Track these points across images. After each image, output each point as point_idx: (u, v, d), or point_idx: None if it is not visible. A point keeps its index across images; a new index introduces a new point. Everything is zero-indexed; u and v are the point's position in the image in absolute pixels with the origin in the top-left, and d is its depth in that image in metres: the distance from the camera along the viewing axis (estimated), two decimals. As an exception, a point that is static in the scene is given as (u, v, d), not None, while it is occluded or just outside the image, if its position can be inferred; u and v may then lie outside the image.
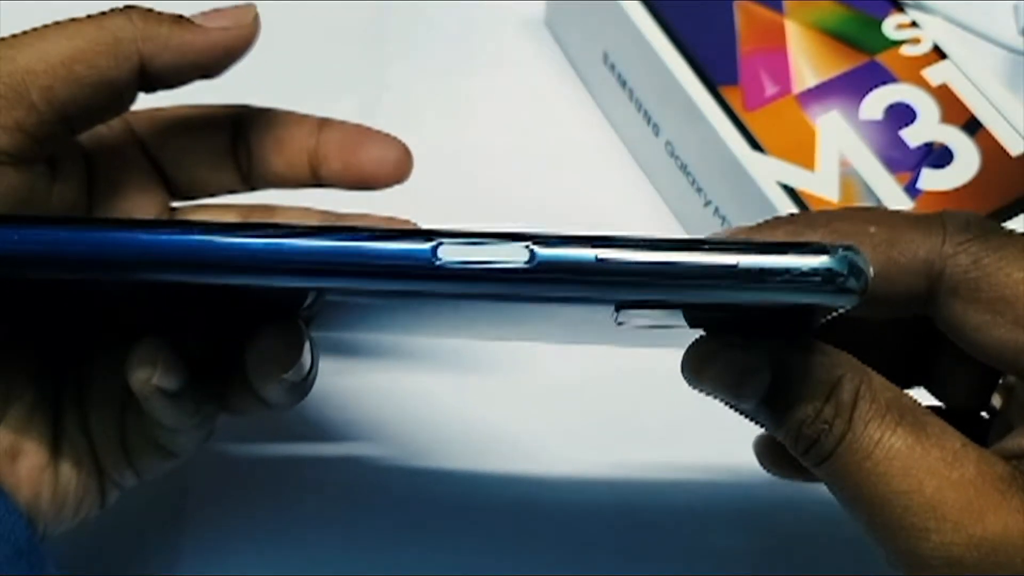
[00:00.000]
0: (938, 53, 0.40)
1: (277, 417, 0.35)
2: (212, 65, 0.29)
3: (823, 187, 0.37)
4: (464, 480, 0.38)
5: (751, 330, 0.24)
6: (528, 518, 0.37)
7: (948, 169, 0.38)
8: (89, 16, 0.27)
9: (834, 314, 0.23)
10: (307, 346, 0.28)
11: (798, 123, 0.39)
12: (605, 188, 0.44)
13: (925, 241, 0.24)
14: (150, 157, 0.32)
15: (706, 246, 0.21)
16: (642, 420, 0.38)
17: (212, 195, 0.33)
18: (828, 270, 0.20)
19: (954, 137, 0.38)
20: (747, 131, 0.38)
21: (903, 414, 0.23)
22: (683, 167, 0.42)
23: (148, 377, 0.27)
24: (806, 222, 0.25)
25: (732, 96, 0.39)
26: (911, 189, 0.37)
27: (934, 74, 0.40)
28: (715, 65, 0.40)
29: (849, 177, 0.38)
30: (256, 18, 0.29)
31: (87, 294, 0.27)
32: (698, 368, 0.24)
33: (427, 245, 0.21)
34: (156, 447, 0.30)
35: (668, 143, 0.42)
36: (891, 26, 0.41)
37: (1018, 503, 0.22)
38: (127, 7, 0.28)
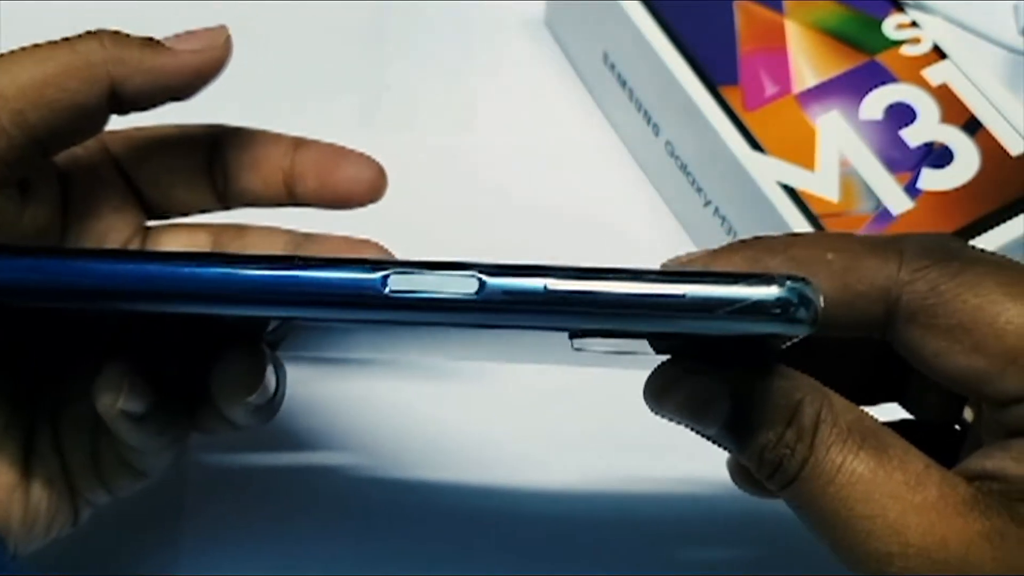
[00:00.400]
0: (938, 53, 0.40)
1: (275, 420, 0.36)
2: (183, 88, 0.29)
3: (823, 187, 0.37)
4: (450, 487, 0.38)
5: (714, 355, 0.24)
6: (513, 527, 0.37)
7: (948, 169, 0.38)
8: (61, 40, 0.27)
9: (789, 342, 0.23)
10: (271, 369, 0.29)
11: (798, 123, 0.39)
12: (605, 188, 0.44)
13: (882, 268, 0.24)
14: (126, 177, 0.32)
15: (656, 276, 0.21)
16: (626, 429, 0.38)
17: (187, 214, 0.33)
18: (777, 300, 0.20)
19: (954, 137, 0.38)
20: (747, 131, 0.38)
21: (865, 437, 0.23)
22: (683, 167, 0.42)
23: (113, 401, 0.27)
24: (764, 247, 0.25)
25: (732, 96, 0.39)
26: (911, 189, 0.37)
27: (934, 74, 0.40)
28: (715, 65, 0.40)
29: (849, 177, 0.38)
30: (228, 40, 0.29)
31: (53, 318, 0.27)
32: (660, 395, 0.25)
33: (376, 275, 0.21)
34: (127, 467, 0.31)
35: (668, 143, 0.42)
36: (891, 26, 0.41)
37: (980, 527, 0.22)
38: (99, 31, 0.28)
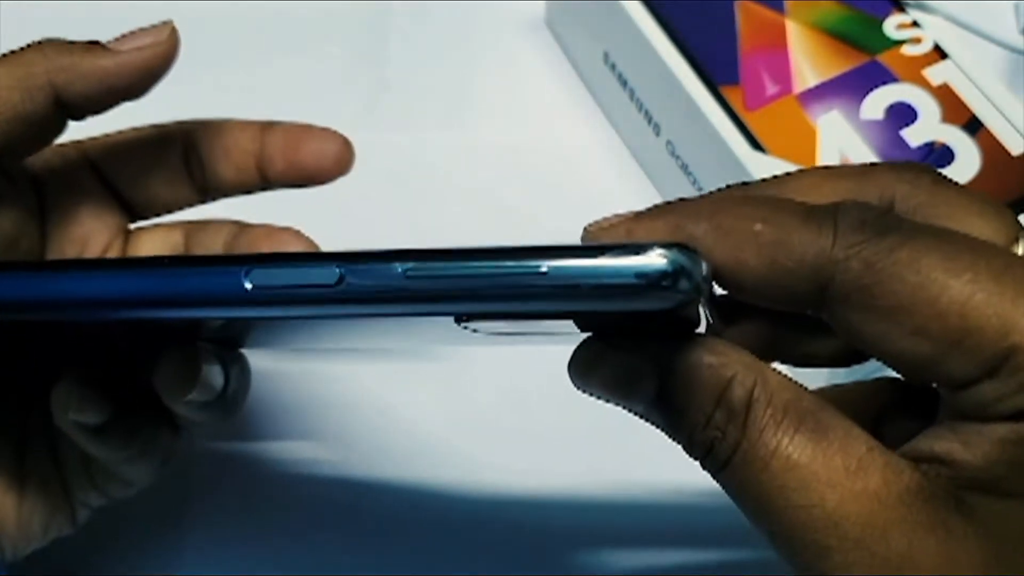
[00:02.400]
0: (939, 53, 0.40)
1: (277, 419, 0.36)
2: (130, 87, 0.29)
3: (824, 187, 0.37)
4: (451, 488, 0.38)
5: (639, 329, 0.23)
6: (496, 529, 0.37)
7: (949, 169, 0.38)
8: (1, 55, 0.28)
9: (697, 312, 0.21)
10: (216, 368, 0.29)
11: (799, 123, 0.39)
12: (605, 188, 0.44)
13: (814, 243, 0.22)
14: (106, 182, 0.32)
15: (519, 252, 0.20)
16: (613, 427, 0.38)
17: (171, 211, 0.33)
18: (650, 273, 0.19)
19: (955, 137, 0.38)
20: (748, 131, 0.38)
21: (803, 418, 0.21)
22: (684, 167, 0.42)
23: (64, 413, 0.28)
24: (690, 213, 0.23)
25: (733, 96, 0.39)
26: (912, 189, 0.37)
27: (935, 74, 0.40)
28: (716, 65, 0.40)
29: (850, 177, 0.38)
30: (173, 33, 0.29)
31: (25, 329, 0.27)
32: (584, 372, 0.23)
33: (238, 272, 0.21)
34: (116, 475, 0.31)
35: (669, 143, 0.42)
36: (892, 26, 0.41)
37: (925, 519, 0.21)
38: (42, 41, 0.28)
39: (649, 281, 0.19)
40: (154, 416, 0.30)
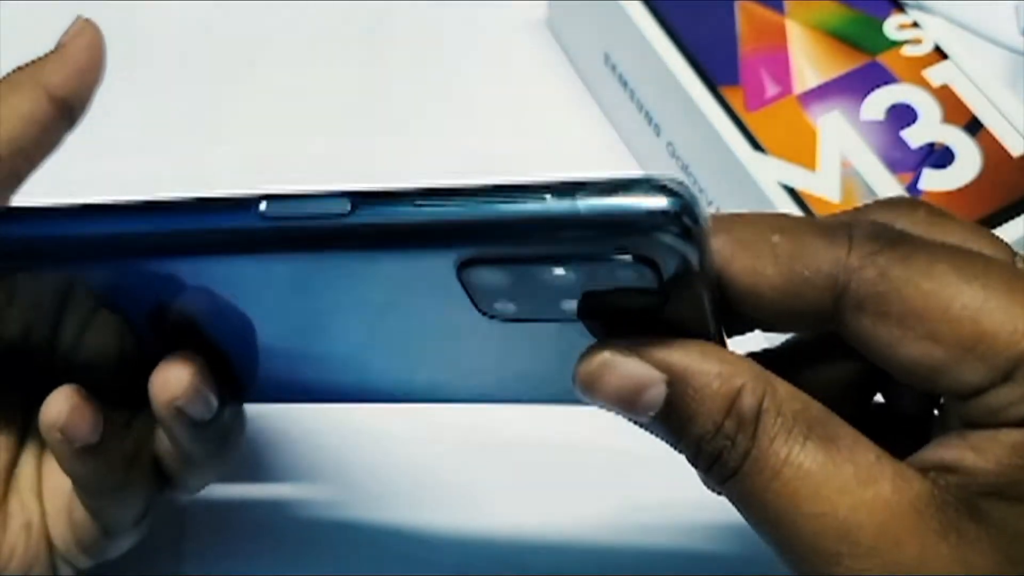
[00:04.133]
0: (939, 53, 0.40)
1: (279, 432, 0.35)
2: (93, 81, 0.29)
3: (824, 188, 0.37)
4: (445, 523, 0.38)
5: (644, 332, 0.23)
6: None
7: (949, 169, 0.38)
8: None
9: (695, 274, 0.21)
10: (211, 386, 0.28)
11: (799, 123, 0.39)
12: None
13: (830, 253, 0.22)
14: None
15: (543, 187, 0.21)
16: (606, 471, 0.38)
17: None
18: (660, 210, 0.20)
19: (955, 137, 0.38)
20: (748, 131, 0.38)
21: (812, 427, 0.22)
22: (684, 167, 0.42)
23: (55, 424, 0.27)
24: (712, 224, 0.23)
25: (733, 96, 0.39)
26: (912, 190, 0.37)
27: (935, 74, 0.40)
28: (716, 65, 0.40)
29: (850, 178, 0.38)
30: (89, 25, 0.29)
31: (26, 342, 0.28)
32: (592, 380, 0.23)
33: (255, 202, 0.22)
34: (96, 521, 0.30)
35: (669, 143, 0.42)
36: (892, 26, 0.41)
37: (937, 525, 0.21)
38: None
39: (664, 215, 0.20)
40: (130, 449, 0.30)
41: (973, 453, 0.22)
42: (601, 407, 0.23)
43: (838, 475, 0.21)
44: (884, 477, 0.21)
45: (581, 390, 0.23)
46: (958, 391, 0.22)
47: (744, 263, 0.22)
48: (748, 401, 0.22)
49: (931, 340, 0.21)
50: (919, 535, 0.21)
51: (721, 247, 0.22)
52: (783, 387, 0.22)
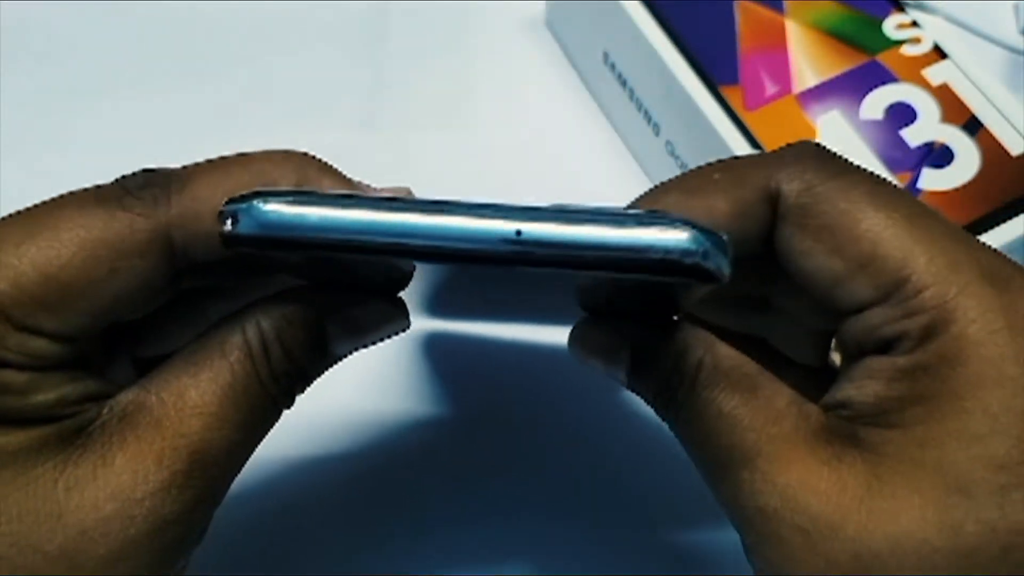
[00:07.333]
0: (938, 53, 0.40)
1: (279, 432, 0.35)
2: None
3: (823, 187, 0.37)
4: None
5: (623, 313, 0.27)
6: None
7: (948, 169, 0.38)
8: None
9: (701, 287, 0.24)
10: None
11: (798, 123, 0.39)
12: (606, 189, 0.44)
13: (764, 171, 0.25)
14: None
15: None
16: (622, 485, 0.38)
17: None
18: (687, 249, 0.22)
19: (954, 137, 0.38)
20: (747, 131, 0.38)
21: (739, 379, 0.25)
22: (684, 167, 0.42)
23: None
24: (659, 191, 0.26)
25: (732, 96, 0.39)
26: (912, 189, 0.37)
27: (934, 74, 0.40)
28: (715, 65, 0.40)
29: (849, 177, 0.38)
30: None
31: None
32: (578, 344, 0.28)
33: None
34: None
35: (668, 143, 0.42)
36: (891, 26, 0.41)
37: (822, 453, 0.24)
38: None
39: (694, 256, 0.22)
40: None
41: (855, 390, 0.24)
42: (592, 366, 0.27)
43: (752, 417, 0.24)
44: (788, 417, 0.24)
45: (573, 352, 0.28)
46: (847, 305, 0.25)
47: (698, 204, 0.25)
48: (690, 358, 0.25)
49: (835, 253, 0.24)
50: (806, 461, 0.24)
51: (675, 202, 0.25)
52: (723, 348, 0.25)
